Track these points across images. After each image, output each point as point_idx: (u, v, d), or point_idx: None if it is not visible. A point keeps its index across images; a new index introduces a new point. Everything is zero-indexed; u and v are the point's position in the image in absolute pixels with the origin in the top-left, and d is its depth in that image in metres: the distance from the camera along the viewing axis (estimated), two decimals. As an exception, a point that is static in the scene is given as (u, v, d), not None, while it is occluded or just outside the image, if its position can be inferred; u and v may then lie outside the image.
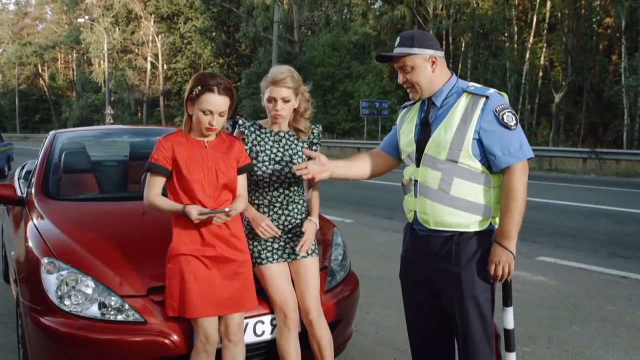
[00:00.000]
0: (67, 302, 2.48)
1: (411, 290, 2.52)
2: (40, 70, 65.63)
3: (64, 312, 2.46)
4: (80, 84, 56.47)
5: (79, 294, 2.49)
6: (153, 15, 45.89)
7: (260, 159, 2.61)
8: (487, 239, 2.31)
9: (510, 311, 2.37)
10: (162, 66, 46.41)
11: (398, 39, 2.36)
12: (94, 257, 2.62)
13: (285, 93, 2.56)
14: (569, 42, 24.16)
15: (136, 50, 47.91)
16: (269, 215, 2.64)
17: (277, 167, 2.61)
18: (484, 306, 2.31)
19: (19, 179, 4.56)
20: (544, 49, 25.80)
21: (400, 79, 2.38)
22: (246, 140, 2.64)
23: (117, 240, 2.77)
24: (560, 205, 9.79)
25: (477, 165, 2.25)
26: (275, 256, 2.66)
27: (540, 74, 26.21)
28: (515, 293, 4.71)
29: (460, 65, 29.42)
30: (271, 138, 2.66)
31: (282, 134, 2.68)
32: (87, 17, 47.46)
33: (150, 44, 47.19)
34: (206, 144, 2.49)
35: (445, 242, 2.32)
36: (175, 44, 45.48)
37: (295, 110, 2.66)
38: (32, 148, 32.80)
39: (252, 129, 2.66)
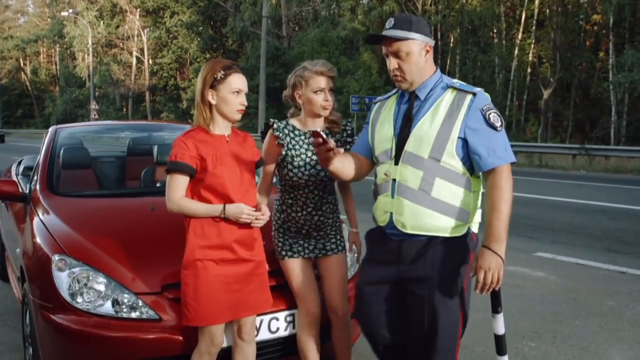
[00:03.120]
0: (79, 299, 2.44)
1: (373, 298, 2.28)
2: (22, 65, 64.69)
3: (77, 309, 2.42)
4: (64, 78, 55.77)
5: (91, 291, 2.45)
6: (138, 9, 45.40)
7: (295, 163, 2.55)
8: (462, 244, 2.19)
9: (500, 318, 2.22)
10: (148, 61, 45.97)
11: (392, 21, 2.15)
12: (105, 253, 2.58)
13: (331, 83, 2.57)
14: (558, 39, 24.33)
15: (121, 44, 47.41)
16: (302, 215, 2.60)
17: (313, 171, 2.56)
18: (455, 314, 2.18)
19: (16, 175, 4.48)
20: (532, 46, 25.95)
21: (392, 65, 2.16)
22: (283, 144, 2.57)
23: (128, 237, 2.73)
24: (553, 201, 9.86)
25: (459, 166, 2.12)
26: (307, 251, 2.65)
27: (529, 70, 26.39)
28: (516, 289, 4.78)
29: (449, 61, 29.52)
30: (305, 141, 2.59)
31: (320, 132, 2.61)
32: (70, 10, 46.80)
33: (135, 38, 46.71)
34: (227, 139, 2.40)
35: (421, 247, 2.16)
36: (161, 39, 45.04)
37: None
38: (16, 144, 32.38)
39: (286, 132, 2.59)
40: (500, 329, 2.23)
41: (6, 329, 3.85)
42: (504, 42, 27.18)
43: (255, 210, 2.37)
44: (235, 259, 2.35)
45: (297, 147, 2.58)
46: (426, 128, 2.12)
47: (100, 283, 2.46)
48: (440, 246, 2.15)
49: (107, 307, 2.42)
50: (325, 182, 2.59)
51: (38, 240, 2.77)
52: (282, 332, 2.63)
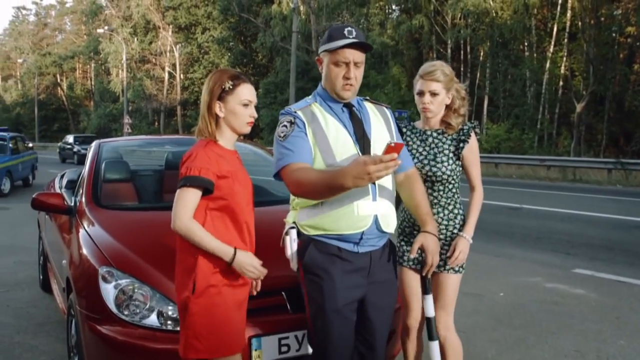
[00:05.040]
0: (125, 311, 2.48)
1: (342, 322, 2.21)
2: (59, 80, 66.54)
3: (123, 321, 2.46)
4: (99, 93, 57.10)
5: (137, 302, 2.49)
6: (171, 26, 46.34)
7: None
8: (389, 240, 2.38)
9: (430, 298, 2.54)
10: (180, 76, 46.79)
11: (353, 31, 2.17)
12: (150, 265, 2.62)
13: (433, 86, 2.55)
14: (590, 52, 23.91)
15: (154, 60, 48.35)
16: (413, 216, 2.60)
17: (419, 165, 2.57)
18: None
19: (60, 188, 4.59)
20: (564, 58, 25.56)
21: (352, 73, 2.19)
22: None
23: (171, 249, 2.74)
24: (589, 216, 9.65)
25: None
26: (416, 261, 2.64)
27: (561, 83, 25.97)
28: (555, 306, 4.69)
29: (478, 75, 29.27)
30: (419, 137, 2.65)
31: (429, 132, 2.64)
32: (106, 27, 48.04)
33: (168, 53, 47.62)
34: (238, 155, 2.27)
35: (383, 250, 2.29)
36: (192, 54, 45.85)
37: (448, 107, 2.63)
38: (52, 157, 33.16)
39: (404, 130, 2.67)
40: (432, 311, 2.54)
41: (49, 339, 3.92)
42: (535, 55, 26.82)
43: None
44: (242, 283, 2.20)
45: (409, 142, 2.65)
46: (383, 134, 2.28)
47: (145, 295, 2.50)
48: (389, 245, 2.34)
49: (153, 319, 2.45)
50: (432, 178, 2.57)
51: (85, 252, 2.83)
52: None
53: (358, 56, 2.19)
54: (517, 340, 3.97)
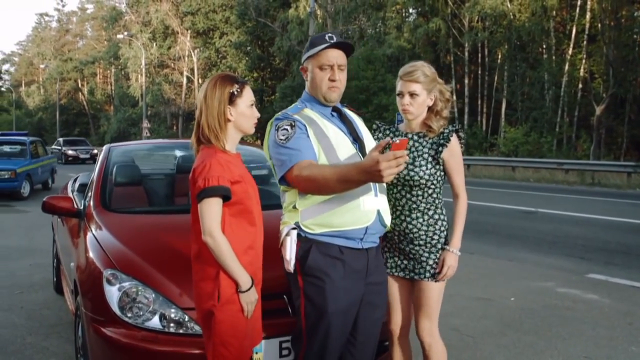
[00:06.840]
0: (128, 313, 2.50)
1: (341, 323, 2.27)
2: (80, 85, 67.60)
3: (126, 323, 2.48)
4: (118, 98, 57.86)
5: (140, 305, 2.51)
6: (189, 31, 46.79)
7: None
8: None
9: None
10: (198, 80, 47.17)
11: (334, 36, 2.29)
12: (154, 269, 2.64)
13: (413, 87, 2.49)
14: (610, 54, 23.56)
15: (172, 64, 48.85)
16: (392, 219, 2.54)
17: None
18: None
19: (72, 191, 4.67)
20: (583, 61, 25.23)
21: (337, 75, 2.30)
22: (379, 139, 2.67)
23: (176, 252, 2.78)
24: (606, 220, 9.51)
25: None
26: (398, 269, 2.62)
27: (580, 86, 25.64)
28: (567, 311, 4.63)
29: (496, 78, 29.04)
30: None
31: (410, 135, 2.59)
32: (125, 33, 48.64)
33: (186, 58, 48.08)
34: (241, 157, 2.28)
35: (377, 250, 2.39)
36: (210, 59, 46.24)
37: (430, 109, 2.56)
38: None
39: (387, 132, 2.68)
40: None
41: (60, 340, 3.98)
42: (553, 57, 26.49)
43: None
44: (256, 283, 2.21)
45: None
46: (369, 136, 2.44)
47: (148, 298, 2.52)
48: (379, 245, 2.43)
49: (155, 322, 2.47)
50: (410, 183, 2.50)
51: (91, 254, 2.87)
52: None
53: (341, 59, 2.31)
54: (526, 345, 3.93)
